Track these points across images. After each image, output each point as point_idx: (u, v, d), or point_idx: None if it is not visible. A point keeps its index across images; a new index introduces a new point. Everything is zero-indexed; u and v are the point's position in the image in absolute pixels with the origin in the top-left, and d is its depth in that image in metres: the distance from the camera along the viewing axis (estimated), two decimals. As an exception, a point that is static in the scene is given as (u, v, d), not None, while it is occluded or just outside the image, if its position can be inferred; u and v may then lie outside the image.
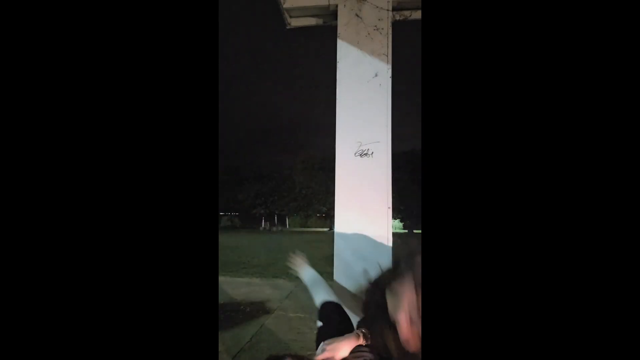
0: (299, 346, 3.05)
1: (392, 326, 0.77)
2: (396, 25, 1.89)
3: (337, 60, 1.83)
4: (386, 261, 0.91)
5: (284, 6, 1.94)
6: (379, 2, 1.83)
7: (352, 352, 0.86)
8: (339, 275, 1.70)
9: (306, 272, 1.25)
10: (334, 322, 0.97)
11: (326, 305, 1.05)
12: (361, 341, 0.87)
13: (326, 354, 0.84)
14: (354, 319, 1.00)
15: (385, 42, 1.82)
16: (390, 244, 1.71)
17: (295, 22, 2.06)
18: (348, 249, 1.71)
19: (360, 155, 1.65)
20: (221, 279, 5.09)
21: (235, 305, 3.69)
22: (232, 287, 4.59)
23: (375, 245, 1.69)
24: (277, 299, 4.06)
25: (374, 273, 0.90)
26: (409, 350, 0.75)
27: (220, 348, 2.60)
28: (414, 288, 0.74)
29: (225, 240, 12.79)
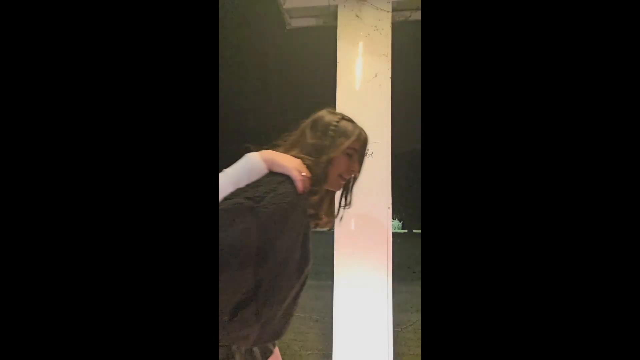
0: (299, 346, 3.06)
1: None
2: (396, 26, 1.89)
3: (337, 60, 1.84)
4: None
5: (284, 6, 1.94)
6: (379, 3, 1.83)
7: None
8: (338, 275, 1.71)
9: None
10: None
11: None
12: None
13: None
14: None
15: (385, 42, 1.82)
16: (390, 244, 1.71)
17: (295, 23, 2.07)
18: (348, 249, 1.71)
19: (360, 155, 1.64)
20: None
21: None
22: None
23: (375, 245, 1.69)
24: (277, 299, 4.05)
25: None
26: None
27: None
28: None
29: (225, 240, 12.71)
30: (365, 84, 1.80)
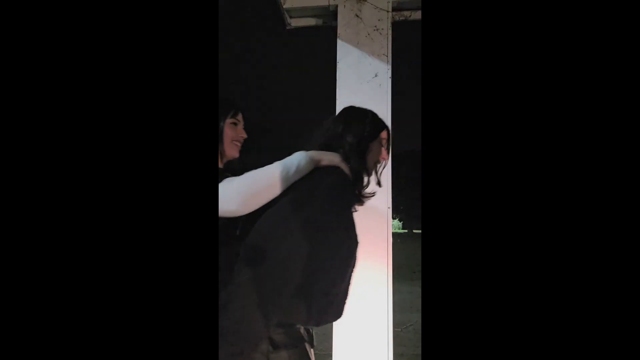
0: (299, 346, 3.04)
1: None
2: (396, 26, 1.89)
3: (337, 60, 1.83)
4: None
5: (284, 6, 1.93)
6: (379, 3, 1.83)
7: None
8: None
9: None
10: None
11: None
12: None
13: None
14: None
15: (385, 42, 1.81)
16: (390, 244, 1.71)
17: (295, 23, 2.06)
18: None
19: (360, 155, 1.64)
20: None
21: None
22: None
23: (375, 245, 1.69)
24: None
25: None
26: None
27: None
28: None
29: (225, 240, 12.70)
30: (365, 84, 1.80)
